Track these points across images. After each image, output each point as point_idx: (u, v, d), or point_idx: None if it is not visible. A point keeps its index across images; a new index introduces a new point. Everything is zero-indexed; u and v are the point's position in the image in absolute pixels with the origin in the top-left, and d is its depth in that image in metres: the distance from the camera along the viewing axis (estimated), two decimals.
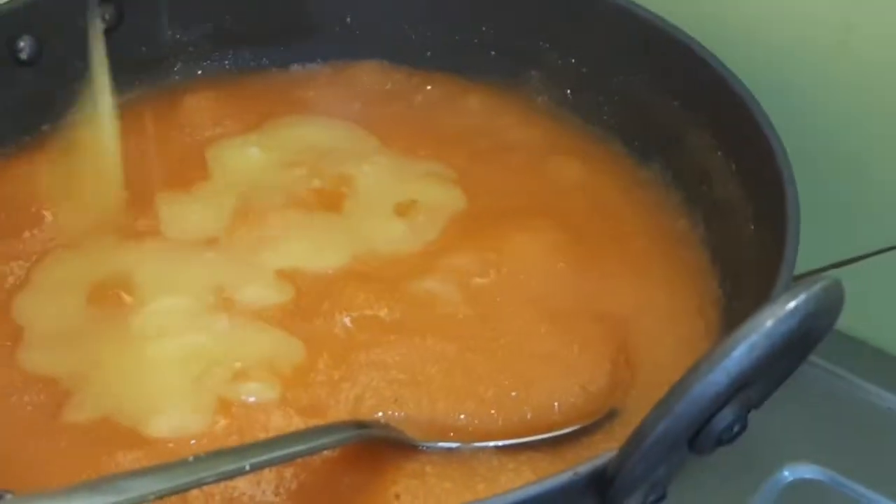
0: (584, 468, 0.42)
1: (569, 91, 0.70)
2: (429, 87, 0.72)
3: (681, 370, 0.54)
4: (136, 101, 0.70)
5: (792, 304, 0.38)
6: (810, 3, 0.62)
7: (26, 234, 0.62)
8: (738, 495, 0.61)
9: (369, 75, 0.73)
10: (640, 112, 0.66)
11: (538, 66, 0.70)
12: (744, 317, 0.53)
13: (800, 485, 0.61)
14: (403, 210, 0.63)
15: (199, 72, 0.73)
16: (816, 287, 0.38)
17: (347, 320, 0.57)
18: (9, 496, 0.40)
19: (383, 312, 0.57)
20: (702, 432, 0.40)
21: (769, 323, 0.38)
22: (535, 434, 0.53)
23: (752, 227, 0.57)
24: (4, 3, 0.64)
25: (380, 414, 0.53)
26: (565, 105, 0.70)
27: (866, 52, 0.61)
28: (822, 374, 0.65)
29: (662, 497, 0.44)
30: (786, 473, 0.62)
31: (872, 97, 0.62)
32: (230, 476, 0.44)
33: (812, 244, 0.51)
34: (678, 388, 0.39)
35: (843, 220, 0.64)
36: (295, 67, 0.74)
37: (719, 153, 0.61)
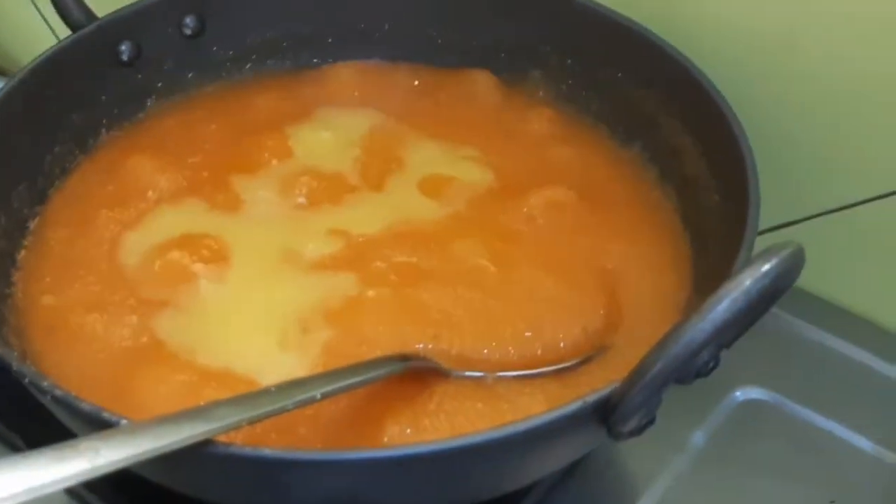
0: (592, 397, 0.41)
1: (563, 87, 0.68)
2: (450, 84, 0.70)
3: (659, 315, 0.55)
4: (213, 94, 0.68)
5: (766, 267, 0.37)
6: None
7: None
8: (698, 413, 0.60)
9: (402, 73, 0.71)
10: (621, 103, 0.65)
11: (540, 66, 0.68)
12: (711, 271, 0.54)
13: (749, 404, 0.61)
14: (439, 185, 0.61)
15: (266, 69, 0.71)
16: (785, 252, 0.38)
17: (389, 269, 0.56)
18: (124, 422, 0.40)
19: (422, 264, 0.56)
20: (686, 368, 0.39)
21: (748, 282, 0.37)
22: (545, 366, 0.52)
23: (717, 198, 0.56)
24: (109, 14, 0.63)
25: (419, 346, 0.52)
26: (560, 98, 0.68)
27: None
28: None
29: (652, 421, 0.43)
30: (737, 394, 0.61)
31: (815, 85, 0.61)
32: (305, 404, 0.43)
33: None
34: (673, 334, 0.38)
35: (787, 188, 0.62)
36: (341, 65, 0.71)
37: (688, 137, 0.60)
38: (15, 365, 0.42)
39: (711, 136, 0.57)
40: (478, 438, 0.40)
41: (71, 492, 0.56)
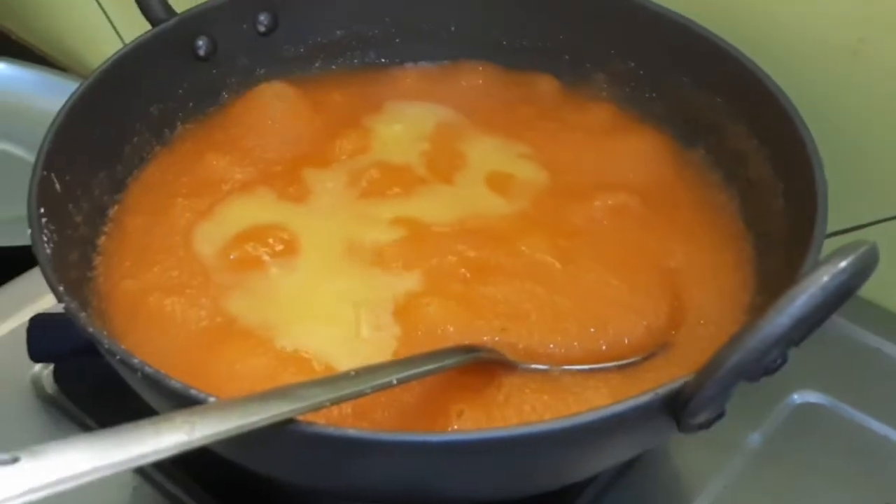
0: (664, 389, 0.42)
1: (627, 89, 0.69)
2: (515, 85, 0.71)
3: (721, 314, 0.56)
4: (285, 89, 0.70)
5: (843, 263, 0.38)
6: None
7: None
8: (756, 414, 0.61)
9: (467, 73, 0.72)
10: (686, 106, 0.65)
11: (604, 69, 0.69)
12: (776, 272, 0.55)
13: (806, 407, 0.62)
14: (505, 182, 0.63)
15: (335, 67, 0.72)
16: (862, 249, 0.38)
17: (459, 262, 0.57)
18: (212, 399, 0.41)
19: (488, 258, 0.57)
20: (761, 362, 0.40)
21: (825, 278, 0.38)
22: (609, 361, 0.53)
23: (782, 202, 0.57)
24: (186, 10, 0.64)
25: (488, 339, 0.53)
26: (624, 100, 0.69)
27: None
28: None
29: (722, 414, 0.44)
30: (795, 397, 0.62)
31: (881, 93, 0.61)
32: (381, 388, 0.44)
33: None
34: (751, 328, 0.38)
35: (851, 194, 0.63)
36: (408, 65, 0.73)
37: (754, 140, 0.60)
38: (106, 343, 0.44)
39: (778, 140, 0.58)
40: (553, 426, 0.41)
41: (140, 470, 0.58)
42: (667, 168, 0.64)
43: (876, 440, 0.60)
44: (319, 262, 0.57)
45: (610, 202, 0.61)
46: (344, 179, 0.63)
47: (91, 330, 0.45)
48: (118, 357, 0.43)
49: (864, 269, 0.39)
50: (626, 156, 0.65)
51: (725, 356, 0.39)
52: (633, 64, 0.68)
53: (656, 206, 0.61)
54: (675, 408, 0.42)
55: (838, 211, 0.56)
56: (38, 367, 0.65)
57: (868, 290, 0.63)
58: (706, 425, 0.43)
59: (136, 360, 0.43)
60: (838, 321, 0.65)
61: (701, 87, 0.64)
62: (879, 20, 0.59)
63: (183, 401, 0.41)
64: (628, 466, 0.58)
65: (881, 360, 0.64)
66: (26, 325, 0.62)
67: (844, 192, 0.60)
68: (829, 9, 0.61)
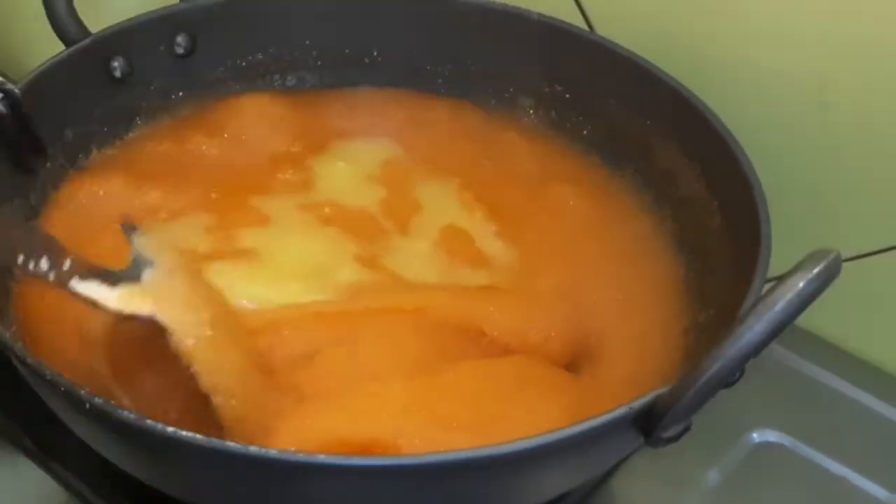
0: (638, 403, 0.42)
1: (553, 113, 0.69)
2: (438, 113, 0.70)
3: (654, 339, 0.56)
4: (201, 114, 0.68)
5: (817, 269, 0.39)
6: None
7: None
8: (714, 452, 0.61)
9: (390, 100, 0.71)
10: (614, 128, 0.66)
11: (530, 95, 0.70)
12: (713, 295, 0.55)
13: (764, 446, 0.61)
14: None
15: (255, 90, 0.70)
16: (831, 256, 0.39)
17: None
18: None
19: None
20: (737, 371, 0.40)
21: (801, 284, 0.38)
22: None
23: (719, 219, 0.58)
24: (102, 30, 0.62)
25: None
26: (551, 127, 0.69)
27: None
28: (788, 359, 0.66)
29: (689, 427, 0.44)
30: (754, 436, 0.62)
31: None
32: None
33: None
34: (731, 337, 0.39)
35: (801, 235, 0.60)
36: (332, 90, 0.72)
37: (685, 159, 0.61)
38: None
39: (710, 157, 0.59)
40: (516, 446, 0.40)
41: (73, 490, 0.55)
42: (598, 197, 0.65)
43: (835, 482, 0.60)
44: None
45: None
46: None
47: None
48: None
49: (832, 275, 0.39)
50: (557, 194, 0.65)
51: (706, 365, 0.39)
52: (559, 88, 0.69)
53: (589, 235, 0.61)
54: (649, 421, 0.42)
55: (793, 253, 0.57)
56: None
57: (831, 331, 0.67)
58: (675, 438, 0.43)
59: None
60: (798, 360, 0.66)
61: (629, 109, 0.65)
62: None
63: None
64: (580, 502, 0.57)
65: (841, 402, 0.64)
66: None
67: (799, 233, 0.61)
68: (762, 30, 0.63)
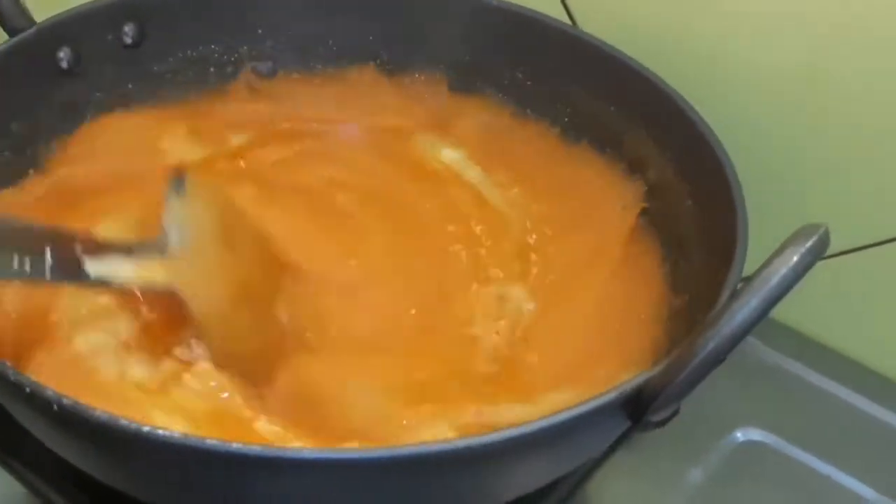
0: (627, 385, 0.41)
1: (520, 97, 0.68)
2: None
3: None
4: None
5: (810, 243, 0.38)
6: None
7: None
8: (696, 451, 0.59)
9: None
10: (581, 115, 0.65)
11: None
12: (693, 274, 0.55)
13: (748, 445, 0.61)
14: None
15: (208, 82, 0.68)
16: (821, 231, 0.39)
17: None
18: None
19: None
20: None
21: (795, 258, 0.38)
22: None
23: (690, 203, 0.57)
24: (47, 19, 0.60)
25: None
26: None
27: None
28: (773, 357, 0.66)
29: (677, 411, 0.43)
30: (738, 435, 0.61)
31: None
32: None
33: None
34: (726, 314, 0.38)
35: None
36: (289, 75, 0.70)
37: (653, 145, 0.61)
38: None
39: (679, 141, 0.58)
40: (509, 434, 0.39)
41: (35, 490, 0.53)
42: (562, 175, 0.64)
43: (820, 481, 0.59)
44: None
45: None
46: None
47: None
48: None
49: (823, 250, 0.39)
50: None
51: (700, 347, 0.38)
52: (520, 75, 0.68)
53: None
54: (637, 404, 0.41)
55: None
56: None
57: (815, 328, 0.66)
58: (664, 422, 0.43)
59: None
60: (785, 360, 0.65)
61: (595, 96, 0.64)
62: None
63: None
64: (563, 500, 0.56)
65: (827, 399, 0.64)
66: None
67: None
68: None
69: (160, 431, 0.36)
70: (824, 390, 0.64)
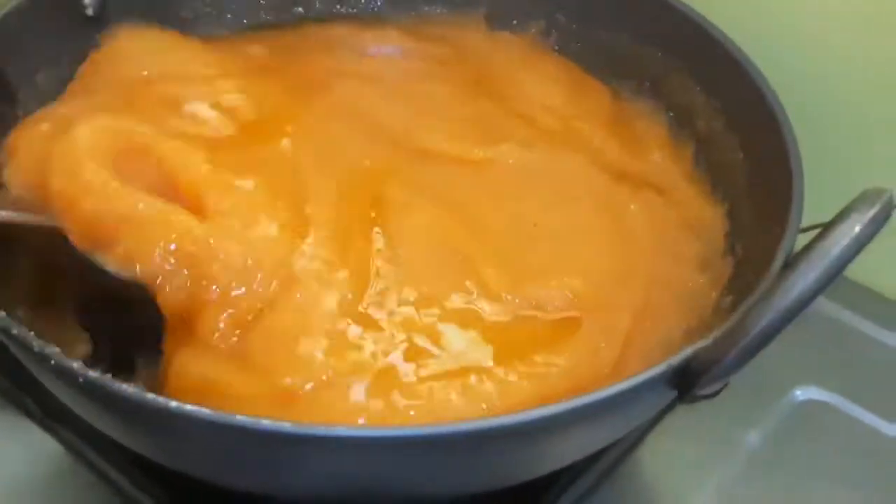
0: (677, 359, 0.39)
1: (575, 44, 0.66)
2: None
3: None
4: None
5: (874, 211, 0.36)
6: None
7: None
8: (754, 411, 0.57)
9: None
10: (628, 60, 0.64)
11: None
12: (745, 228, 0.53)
13: (808, 404, 0.58)
14: None
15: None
16: (886, 197, 0.37)
17: None
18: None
19: None
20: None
21: (858, 228, 0.36)
22: None
23: (741, 156, 0.55)
24: None
25: None
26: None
27: None
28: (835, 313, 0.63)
29: (727, 384, 0.41)
30: (797, 393, 0.59)
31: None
32: None
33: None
34: (781, 287, 0.36)
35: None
36: None
37: (702, 94, 0.59)
38: None
39: (731, 93, 0.56)
40: (562, 407, 0.38)
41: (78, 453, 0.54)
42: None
43: (882, 440, 0.57)
44: None
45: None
46: None
47: None
48: None
49: (887, 216, 0.37)
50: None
51: (753, 322, 0.36)
52: (563, 18, 0.66)
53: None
54: (685, 377, 0.39)
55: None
56: None
57: (879, 281, 0.63)
58: (712, 395, 0.41)
59: None
60: (847, 314, 0.63)
61: (641, 41, 0.62)
62: None
63: None
64: (622, 461, 0.55)
65: (889, 357, 0.61)
66: None
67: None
68: None
69: (187, 407, 0.35)
70: (888, 346, 0.61)
